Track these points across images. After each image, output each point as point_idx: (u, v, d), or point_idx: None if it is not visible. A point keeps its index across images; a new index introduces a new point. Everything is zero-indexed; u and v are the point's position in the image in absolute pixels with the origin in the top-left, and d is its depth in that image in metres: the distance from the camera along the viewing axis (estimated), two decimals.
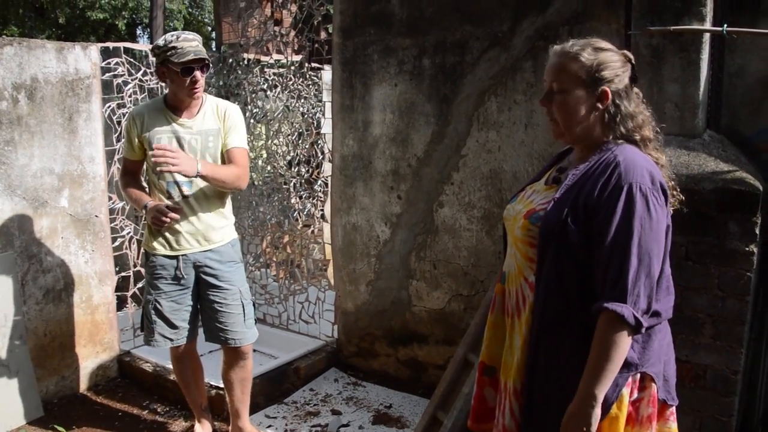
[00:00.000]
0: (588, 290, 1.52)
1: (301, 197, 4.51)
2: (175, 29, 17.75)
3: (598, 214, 1.48)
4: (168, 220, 2.67)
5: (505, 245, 1.80)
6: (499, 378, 1.77)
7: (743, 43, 2.56)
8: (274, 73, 4.44)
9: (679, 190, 1.68)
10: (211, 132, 2.76)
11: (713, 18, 2.44)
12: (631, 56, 1.63)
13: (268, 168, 4.47)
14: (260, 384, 3.49)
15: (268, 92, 4.40)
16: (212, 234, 2.80)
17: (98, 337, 3.65)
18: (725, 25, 2.28)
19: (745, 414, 2.59)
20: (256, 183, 4.44)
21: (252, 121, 4.39)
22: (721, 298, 2.31)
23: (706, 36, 2.38)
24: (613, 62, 1.57)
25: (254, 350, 4.22)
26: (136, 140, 2.73)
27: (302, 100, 4.33)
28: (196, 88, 2.63)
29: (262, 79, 4.35)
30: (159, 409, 3.44)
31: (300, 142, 4.43)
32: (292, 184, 4.40)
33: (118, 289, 3.75)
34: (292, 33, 4.18)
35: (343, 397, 3.61)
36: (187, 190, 2.74)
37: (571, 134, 1.62)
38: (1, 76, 3.12)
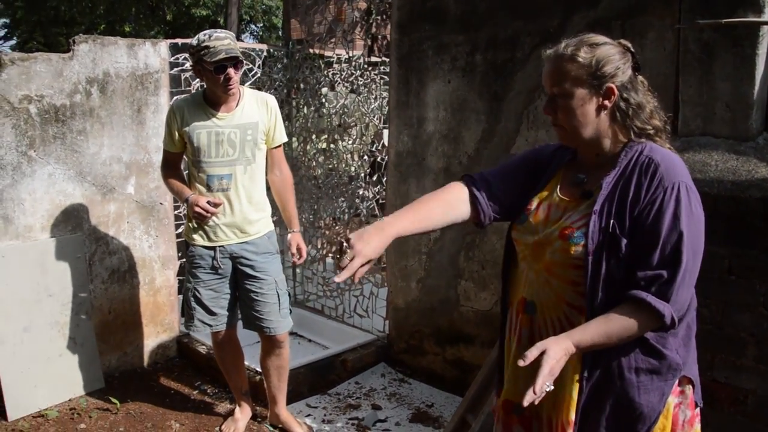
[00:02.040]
0: None
1: (367, 192, 4.53)
2: (275, 26, 18.33)
3: (644, 215, 1.42)
4: (209, 216, 2.78)
5: (506, 266, 1.71)
6: (531, 414, 1.62)
7: None
8: (345, 68, 4.48)
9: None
10: (250, 125, 2.84)
11: None
12: (629, 45, 1.52)
13: (332, 163, 4.53)
14: (305, 373, 3.57)
15: (336, 87, 4.46)
16: (248, 227, 2.88)
17: (159, 318, 3.87)
18: None
19: None
20: (318, 178, 4.53)
21: (316, 115, 4.47)
22: (766, 318, 2.11)
23: (764, 29, 2.17)
24: (612, 55, 1.48)
25: (309, 340, 4.37)
26: (177, 134, 2.85)
27: (368, 95, 4.34)
28: (231, 85, 2.71)
29: (329, 74, 4.41)
30: (209, 390, 3.60)
31: (365, 137, 4.46)
32: (360, 177, 4.42)
33: (180, 273, 3.95)
34: (359, 29, 4.21)
35: (387, 392, 3.62)
36: (226, 183, 2.84)
37: (580, 137, 1.53)
38: (76, 71, 3.37)
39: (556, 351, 1.37)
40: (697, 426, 1.61)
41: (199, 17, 16.05)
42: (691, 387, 1.54)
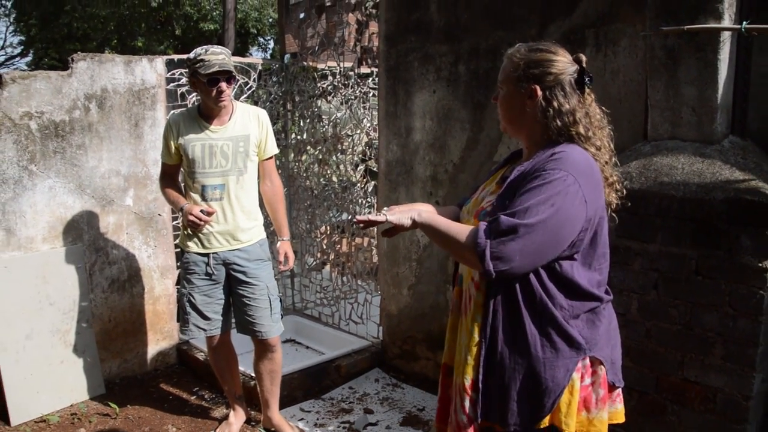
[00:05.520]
0: (527, 281, 1.59)
1: (362, 200, 4.62)
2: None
3: (521, 186, 1.56)
4: (203, 224, 2.89)
5: None
6: None
7: None
8: (338, 81, 4.58)
9: (624, 190, 1.72)
10: (242, 138, 2.95)
11: (739, 16, 2.29)
12: (583, 59, 1.66)
13: (327, 173, 4.62)
14: (299, 378, 3.64)
15: (329, 98, 4.56)
16: (241, 234, 2.99)
17: (159, 326, 3.97)
18: (744, 23, 2.14)
19: None
20: (314, 189, 4.62)
21: (310, 126, 4.57)
22: (732, 317, 2.16)
23: (725, 35, 2.23)
24: (546, 61, 1.62)
25: (306, 347, 4.45)
26: (173, 146, 2.97)
27: (359, 106, 4.44)
28: (222, 99, 2.84)
29: (323, 86, 4.51)
30: (206, 396, 3.69)
31: (356, 147, 4.55)
32: (357, 187, 4.51)
33: (178, 282, 4.05)
34: (352, 39, 4.31)
35: (380, 397, 3.68)
36: (219, 193, 2.95)
37: (510, 129, 1.74)
38: (74, 88, 3.50)
39: (403, 212, 1.67)
40: (619, 405, 1.75)
41: (208, 31, 16.33)
42: (603, 368, 1.65)
